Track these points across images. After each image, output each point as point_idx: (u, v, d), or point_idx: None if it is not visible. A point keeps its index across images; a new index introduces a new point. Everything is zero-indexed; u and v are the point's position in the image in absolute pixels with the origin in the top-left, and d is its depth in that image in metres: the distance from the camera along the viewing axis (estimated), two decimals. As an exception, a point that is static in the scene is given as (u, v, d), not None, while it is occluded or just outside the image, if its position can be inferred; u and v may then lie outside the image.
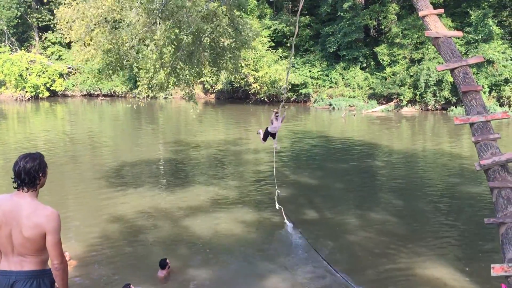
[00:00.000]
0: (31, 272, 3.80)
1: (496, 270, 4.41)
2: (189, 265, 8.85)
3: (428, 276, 8.30)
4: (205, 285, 8.11)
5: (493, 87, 31.98)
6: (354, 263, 8.98)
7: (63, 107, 42.35)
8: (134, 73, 41.09)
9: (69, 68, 49.11)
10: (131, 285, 7.59)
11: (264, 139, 11.71)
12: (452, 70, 5.31)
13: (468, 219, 11.28)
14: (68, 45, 51.70)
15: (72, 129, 29.07)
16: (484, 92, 30.69)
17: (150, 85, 11.89)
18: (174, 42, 11.25)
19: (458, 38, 30.11)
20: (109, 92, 48.51)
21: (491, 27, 32.01)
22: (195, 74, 12.93)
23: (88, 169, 17.05)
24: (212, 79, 39.55)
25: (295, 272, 8.60)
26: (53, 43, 50.95)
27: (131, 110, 40.21)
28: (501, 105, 31.53)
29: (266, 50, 39.38)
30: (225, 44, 12.46)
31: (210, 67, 13.21)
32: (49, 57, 49.86)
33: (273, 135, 11.43)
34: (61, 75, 48.85)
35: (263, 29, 40.66)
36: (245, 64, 37.97)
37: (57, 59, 49.72)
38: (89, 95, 49.45)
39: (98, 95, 48.76)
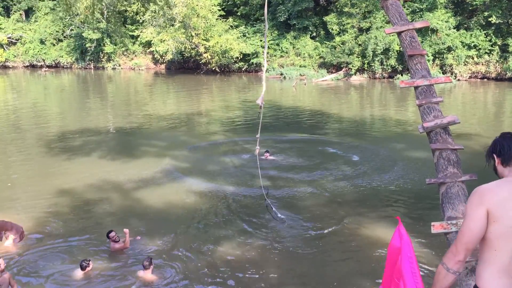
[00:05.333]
0: None
1: (436, 227, 4.59)
2: (143, 235, 8.80)
3: (373, 236, 8.65)
4: (160, 255, 8.11)
5: (437, 55, 33.03)
6: (306, 228, 9.22)
7: (4, 78, 40.33)
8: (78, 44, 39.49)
9: (9, 38, 46.65)
10: (91, 261, 7.46)
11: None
12: (399, 34, 5.41)
13: (411, 180, 11.76)
14: (7, 14, 48.97)
15: (15, 101, 27.84)
16: (428, 60, 31.64)
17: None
18: None
19: (404, 7, 30.70)
20: (53, 62, 46.56)
21: (435, -4, 32.83)
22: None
23: (34, 140, 16.47)
24: (162, 49, 38.68)
25: (252, 236, 8.74)
26: (-10, 12, 48.20)
27: (77, 81, 38.88)
28: (444, 72, 32.68)
29: (217, 19, 38.77)
30: None
31: None
32: (-14, 26, 47.22)
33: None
34: (0, 45, 46.38)
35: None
36: (195, 33, 37.29)
37: (-5, 29, 47.14)
38: (32, 66, 47.31)
39: (41, 66, 46.73)
